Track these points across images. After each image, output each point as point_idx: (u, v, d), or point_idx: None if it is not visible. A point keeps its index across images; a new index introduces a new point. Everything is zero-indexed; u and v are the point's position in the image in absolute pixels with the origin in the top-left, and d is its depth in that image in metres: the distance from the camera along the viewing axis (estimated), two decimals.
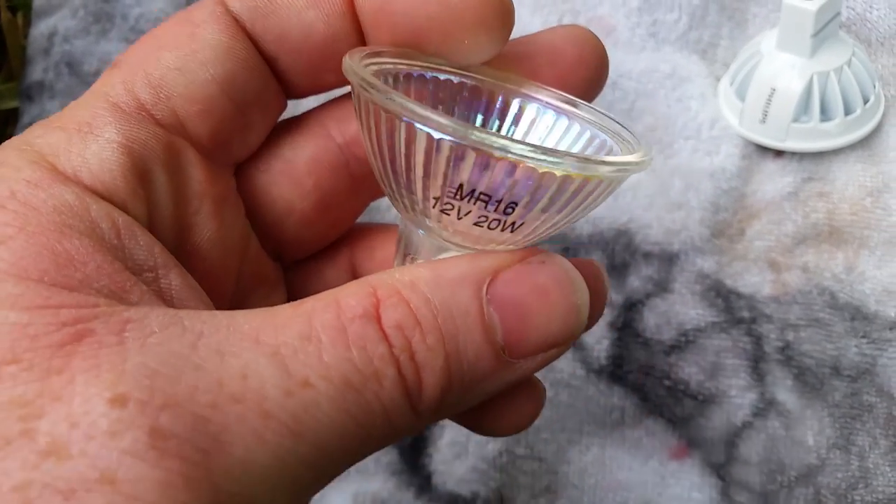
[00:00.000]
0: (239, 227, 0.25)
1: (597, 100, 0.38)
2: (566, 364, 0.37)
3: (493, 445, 0.37)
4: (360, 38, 0.24)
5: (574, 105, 0.24)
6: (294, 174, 0.25)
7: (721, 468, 0.36)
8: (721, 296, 0.37)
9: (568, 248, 0.38)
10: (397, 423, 0.19)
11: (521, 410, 0.25)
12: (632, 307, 0.38)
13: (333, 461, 0.19)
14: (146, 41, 0.23)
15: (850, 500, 0.36)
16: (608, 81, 0.39)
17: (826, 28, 0.37)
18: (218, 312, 0.19)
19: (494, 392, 0.21)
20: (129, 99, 0.22)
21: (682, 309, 0.37)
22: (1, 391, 0.17)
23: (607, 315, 0.38)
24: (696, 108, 0.39)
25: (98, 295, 0.18)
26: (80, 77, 0.41)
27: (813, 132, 0.38)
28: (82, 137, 0.21)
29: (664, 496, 0.36)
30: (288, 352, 0.18)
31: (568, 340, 0.21)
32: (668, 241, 0.38)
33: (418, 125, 0.19)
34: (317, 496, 0.38)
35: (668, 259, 0.38)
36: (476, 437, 0.37)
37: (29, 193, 0.19)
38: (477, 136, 0.19)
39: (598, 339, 0.38)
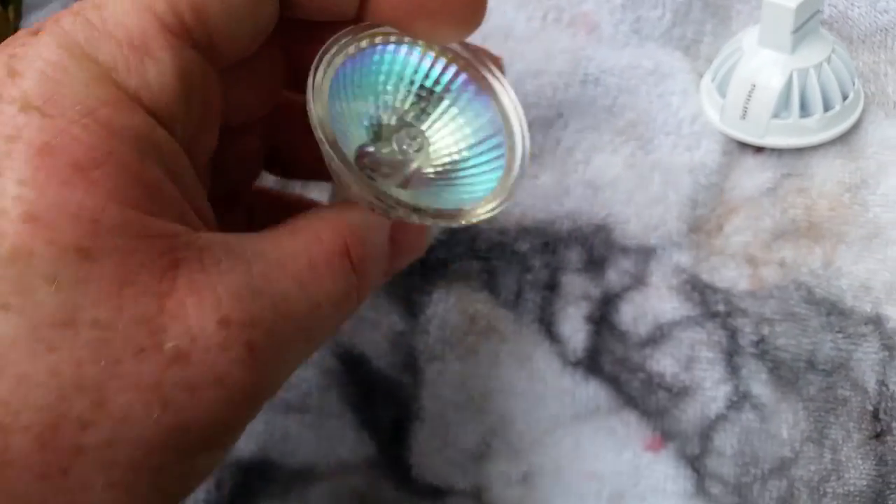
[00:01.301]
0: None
1: (579, 95, 0.40)
2: (542, 356, 0.38)
3: (469, 439, 0.38)
4: None
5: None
6: None
7: (696, 460, 0.37)
8: (697, 290, 0.38)
9: (547, 242, 0.39)
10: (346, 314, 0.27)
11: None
12: (609, 301, 0.39)
13: (321, 342, 0.27)
14: None
15: (823, 493, 0.37)
16: (591, 77, 0.40)
17: (806, 25, 0.38)
18: (244, 237, 0.24)
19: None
20: (174, 19, 0.23)
21: (657, 303, 0.38)
22: (126, 308, 0.21)
23: (584, 308, 0.38)
24: (677, 105, 0.40)
25: (175, 222, 0.22)
26: None
27: (792, 128, 0.39)
28: (140, 57, 0.22)
29: (639, 487, 0.37)
30: (307, 280, 0.24)
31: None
32: (646, 235, 0.39)
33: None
34: (297, 488, 0.39)
35: (646, 253, 0.39)
36: (454, 431, 0.38)
37: (107, 115, 0.21)
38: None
39: (575, 332, 0.38)
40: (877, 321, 0.38)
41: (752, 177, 0.39)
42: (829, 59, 0.38)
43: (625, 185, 0.39)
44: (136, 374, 0.21)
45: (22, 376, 0.20)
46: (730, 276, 0.38)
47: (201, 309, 0.21)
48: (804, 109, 0.39)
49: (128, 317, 0.21)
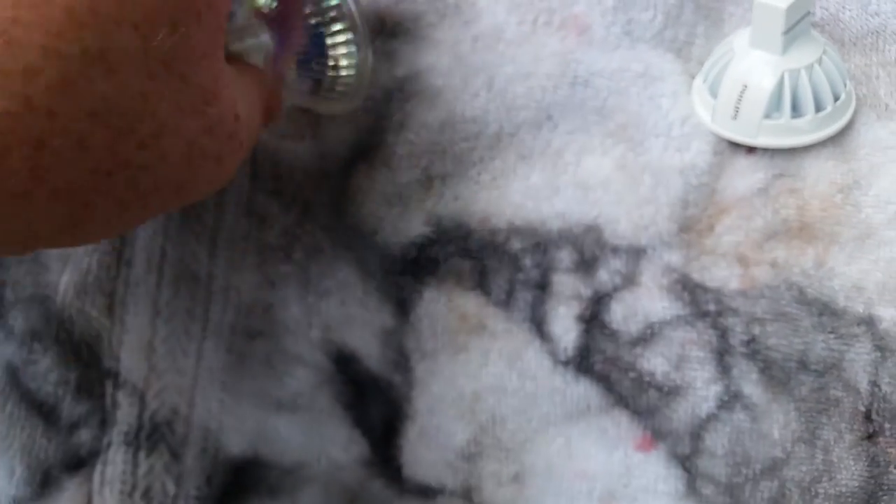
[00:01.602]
0: None
1: (569, 97, 0.40)
2: (533, 355, 0.38)
3: (461, 436, 0.38)
4: None
5: None
6: None
7: (687, 460, 0.37)
8: (688, 289, 0.38)
9: (538, 242, 0.39)
10: None
11: None
12: (599, 300, 0.39)
13: None
14: None
15: (814, 494, 0.37)
16: (581, 80, 0.40)
17: (797, 26, 0.38)
18: None
19: None
20: None
21: (648, 302, 0.38)
22: None
23: (575, 307, 0.39)
24: (667, 107, 0.40)
25: None
26: None
27: (784, 129, 0.39)
28: None
29: (630, 487, 0.37)
30: None
31: None
32: (637, 235, 0.39)
33: None
34: (287, 486, 0.39)
35: (636, 253, 0.39)
36: (444, 430, 0.38)
37: None
38: None
39: (566, 331, 0.38)
40: (869, 322, 0.38)
41: (744, 177, 0.39)
42: (819, 61, 0.38)
43: (615, 185, 0.39)
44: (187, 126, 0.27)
45: None
46: (721, 275, 0.38)
47: None
48: (795, 110, 0.39)
49: None
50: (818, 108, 0.39)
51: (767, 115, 0.39)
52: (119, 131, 0.24)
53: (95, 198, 0.25)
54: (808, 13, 0.38)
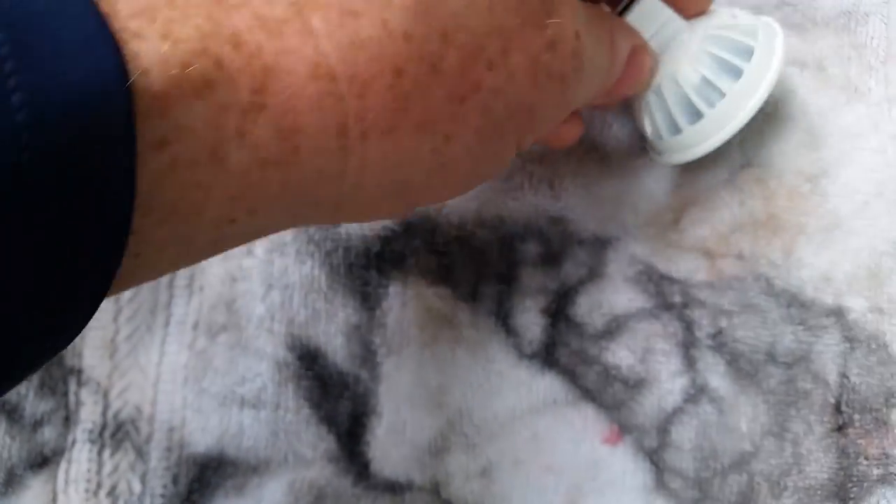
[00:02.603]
0: None
1: None
2: (498, 349, 0.38)
3: (428, 433, 0.38)
4: None
5: None
6: None
7: (654, 454, 0.37)
8: (653, 281, 0.38)
9: (504, 236, 0.39)
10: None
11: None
12: (565, 294, 0.38)
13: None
14: None
15: (784, 487, 0.37)
16: None
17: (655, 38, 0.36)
18: None
19: (592, 100, 0.33)
20: None
21: (613, 294, 0.38)
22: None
23: (540, 301, 0.38)
24: None
25: None
26: None
27: (692, 139, 0.36)
28: None
29: (598, 481, 0.37)
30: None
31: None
32: (603, 228, 0.39)
33: None
34: (253, 484, 0.39)
35: (602, 244, 0.39)
36: (412, 425, 0.38)
37: None
38: None
39: (531, 325, 0.38)
40: (838, 313, 0.38)
41: (710, 167, 0.39)
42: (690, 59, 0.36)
43: (581, 178, 0.39)
44: (529, 43, 0.26)
45: (467, 4, 0.24)
46: (687, 267, 0.38)
47: (569, 20, 0.27)
48: (690, 116, 0.36)
49: None
50: (708, 103, 0.36)
51: (661, 135, 0.37)
52: (469, 51, 0.24)
53: (455, 129, 0.25)
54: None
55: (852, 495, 0.36)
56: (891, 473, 0.36)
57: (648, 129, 0.37)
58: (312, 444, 0.39)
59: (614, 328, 0.38)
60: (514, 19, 0.25)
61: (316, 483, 0.38)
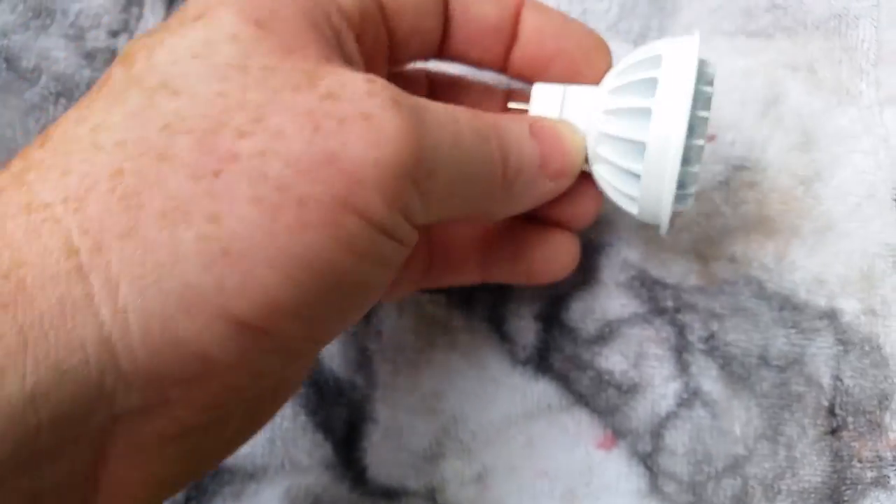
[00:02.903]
0: None
1: (526, 88, 0.39)
2: (492, 355, 0.39)
3: (423, 439, 0.38)
4: (514, 37, 0.33)
5: None
6: None
7: (648, 458, 0.37)
8: (646, 286, 0.38)
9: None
10: (493, 181, 0.29)
11: (559, 260, 0.35)
12: (558, 299, 0.39)
13: (463, 187, 0.28)
14: None
15: (777, 490, 0.37)
16: None
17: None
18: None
19: (537, 201, 0.32)
20: None
21: (606, 300, 0.38)
22: (290, 61, 0.25)
23: (533, 307, 0.39)
24: None
25: (330, 51, 0.26)
26: (18, 72, 0.42)
27: (647, 215, 0.32)
28: None
29: (592, 486, 0.38)
30: (458, 113, 0.28)
31: (576, 167, 0.32)
32: (595, 233, 0.39)
33: None
34: (250, 491, 0.39)
35: (595, 250, 0.39)
36: (407, 431, 0.39)
37: None
38: None
39: (525, 331, 0.39)
40: (831, 315, 0.38)
41: (703, 168, 0.39)
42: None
43: None
44: (292, 102, 0.24)
45: (194, 94, 0.24)
46: (679, 271, 0.38)
47: (353, 72, 0.25)
48: (628, 201, 0.32)
49: (290, 66, 0.25)
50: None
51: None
52: (203, 131, 0.24)
53: (220, 206, 0.23)
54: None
55: (846, 498, 0.37)
56: (884, 476, 0.37)
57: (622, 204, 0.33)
58: (309, 450, 0.39)
59: (607, 333, 0.38)
60: (256, 94, 0.24)
61: (312, 490, 0.39)
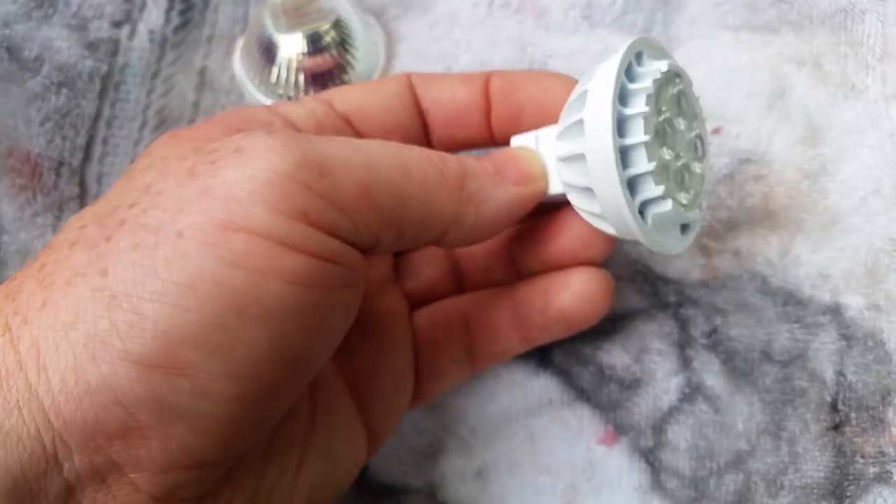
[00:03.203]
0: None
1: None
2: None
3: (423, 436, 0.38)
4: (488, 106, 0.34)
5: None
6: None
7: (650, 453, 0.37)
8: (649, 281, 0.38)
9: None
10: (430, 182, 0.29)
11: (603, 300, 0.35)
12: None
13: (385, 187, 0.27)
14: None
15: (780, 486, 0.37)
16: (538, 63, 0.40)
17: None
18: None
19: (507, 209, 0.31)
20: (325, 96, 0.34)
21: None
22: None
23: None
24: None
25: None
26: (20, 62, 0.42)
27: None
28: (293, 105, 0.32)
29: (594, 481, 0.37)
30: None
31: (538, 176, 0.32)
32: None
33: None
34: None
35: None
36: (407, 430, 0.38)
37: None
38: None
39: None
40: (835, 310, 0.38)
41: (711, 161, 0.39)
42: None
43: None
44: (176, 167, 0.26)
45: (107, 195, 0.27)
46: (682, 266, 0.38)
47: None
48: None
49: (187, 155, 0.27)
50: None
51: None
52: (104, 214, 0.27)
53: (107, 261, 0.25)
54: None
55: (849, 494, 0.36)
56: (887, 472, 0.36)
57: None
58: None
59: (609, 328, 0.38)
60: (149, 175, 0.26)
61: None
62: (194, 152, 0.26)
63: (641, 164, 0.28)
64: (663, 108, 0.29)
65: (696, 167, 0.31)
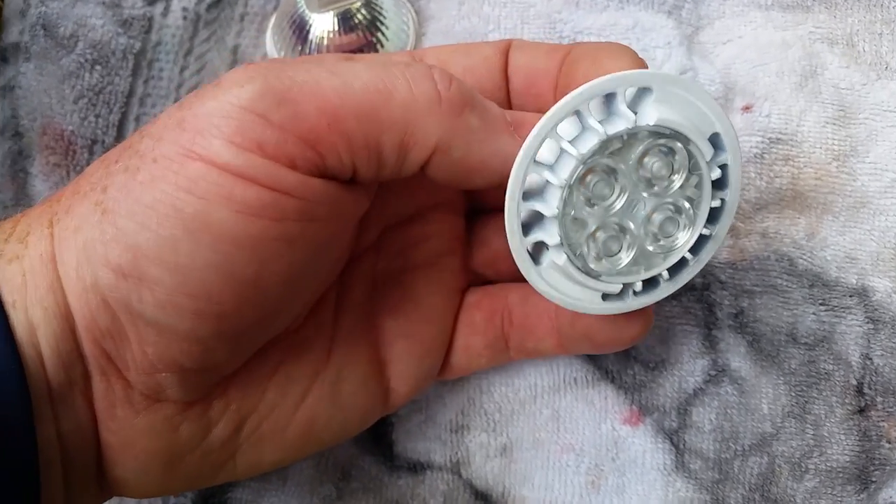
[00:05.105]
0: None
1: None
2: None
3: (449, 412, 0.39)
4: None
5: None
6: None
7: (674, 435, 0.38)
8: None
9: None
10: (423, 102, 0.29)
11: (630, 329, 0.34)
12: None
13: (361, 110, 0.28)
14: None
15: (805, 469, 0.37)
16: (567, 39, 0.41)
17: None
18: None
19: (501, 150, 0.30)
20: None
21: None
22: None
23: None
24: (661, 58, 0.40)
25: None
26: (55, 40, 0.44)
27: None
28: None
29: (618, 461, 0.38)
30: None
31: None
32: None
33: None
34: (279, 467, 0.40)
35: None
36: (433, 405, 0.39)
37: None
38: None
39: None
40: (862, 293, 0.38)
41: (739, 140, 0.39)
42: None
43: None
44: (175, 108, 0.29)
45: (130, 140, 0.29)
46: None
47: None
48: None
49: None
50: None
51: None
52: None
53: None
54: None
55: (874, 479, 0.37)
56: None
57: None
58: None
59: None
60: (159, 121, 0.29)
61: (339, 463, 0.40)
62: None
63: (541, 206, 0.30)
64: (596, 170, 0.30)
65: (654, 239, 0.31)
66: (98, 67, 0.43)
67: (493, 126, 0.30)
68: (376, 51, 0.42)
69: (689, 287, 0.39)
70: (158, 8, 0.44)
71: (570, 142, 0.29)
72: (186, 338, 0.28)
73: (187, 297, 0.27)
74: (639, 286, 0.31)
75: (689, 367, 0.38)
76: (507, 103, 0.34)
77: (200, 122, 0.27)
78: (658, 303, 0.38)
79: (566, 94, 0.29)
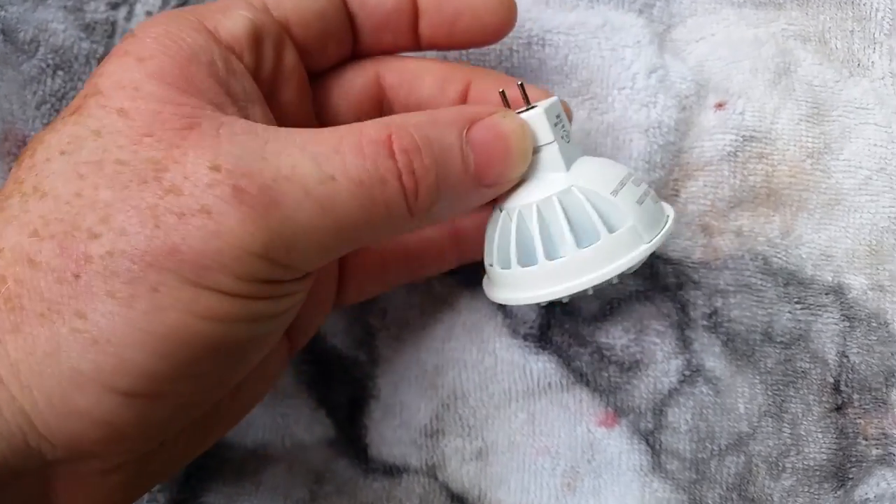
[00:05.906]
0: (306, 103, 0.35)
1: (526, 59, 0.40)
2: (492, 331, 0.39)
3: (424, 415, 0.39)
4: (415, 12, 0.35)
5: None
6: None
7: (650, 435, 0.38)
8: (647, 262, 0.39)
9: (501, 209, 0.40)
10: (396, 217, 0.29)
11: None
12: None
13: (348, 237, 0.29)
14: None
15: (782, 468, 0.38)
16: (537, 39, 0.41)
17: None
18: (281, 129, 0.29)
19: (468, 208, 0.32)
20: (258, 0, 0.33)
21: None
22: (141, 152, 0.27)
23: None
24: (630, 57, 0.40)
25: (206, 104, 0.29)
26: (15, 45, 0.43)
27: (514, 280, 0.32)
28: (223, 12, 0.32)
29: (594, 463, 0.39)
30: (322, 158, 0.28)
31: (518, 174, 0.32)
32: None
33: None
34: (251, 468, 0.40)
35: None
36: (408, 408, 0.40)
37: (180, 36, 0.30)
38: None
39: (526, 308, 0.39)
40: (838, 290, 0.39)
41: (713, 138, 0.39)
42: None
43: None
44: (137, 199, 0.27)
45: (56, 196, 0.27)
46: (683, 245, 0.39)
47: (199, 158, 0.27)
48: (525, 258, 0.32)
49: (141, 158, 0.27)
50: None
51: (492, 262, 0.34)
52: (63, 235, 0.27)
53: (84, 304, 0.27)
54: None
55: (851, 476, 0.37)
56: (890, 454, 0.37)
57: (485, 251, 0.34)
58: (309, 427, 0.40)
59: (608, 311, 0.39)
60: (106, 192, 0.27)
61: (313, 467, 0.40)
62: (154, 173, 0.27)
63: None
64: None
65: None
66: (60, 72, 0.42)
67: (460, 195, 0.31)
68: None
69: (662, 287, 0.39)
70: (122, 12, 0.43)
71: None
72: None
73: (217, 388, 0.30)
74: None
75: (664, 368, 0.39)
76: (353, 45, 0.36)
77: (205, 259, 0.27)
78: (631, 304, 0.39)
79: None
